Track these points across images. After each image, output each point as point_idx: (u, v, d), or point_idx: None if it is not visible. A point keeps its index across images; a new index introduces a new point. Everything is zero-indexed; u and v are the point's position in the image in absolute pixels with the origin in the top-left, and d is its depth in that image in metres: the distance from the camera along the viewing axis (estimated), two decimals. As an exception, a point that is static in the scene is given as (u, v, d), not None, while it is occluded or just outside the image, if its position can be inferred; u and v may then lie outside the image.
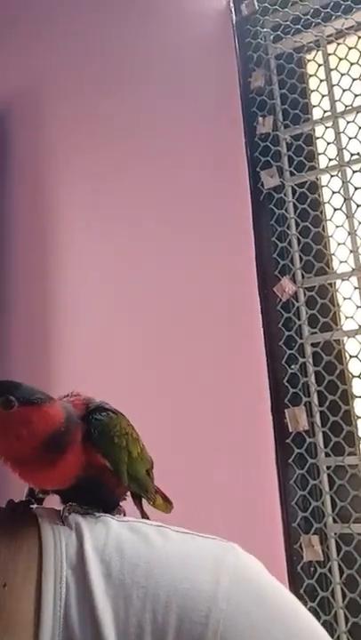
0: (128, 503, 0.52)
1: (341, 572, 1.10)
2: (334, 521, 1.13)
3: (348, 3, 1.25)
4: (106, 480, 0.48)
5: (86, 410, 0.48)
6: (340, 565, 1.11)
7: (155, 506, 0.54)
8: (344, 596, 1.09)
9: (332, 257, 1.21)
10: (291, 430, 1.17)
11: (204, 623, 0.35)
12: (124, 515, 0.48)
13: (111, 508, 0.48)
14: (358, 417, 1.13)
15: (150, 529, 0.42)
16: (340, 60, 1.26)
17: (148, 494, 0.53)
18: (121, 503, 0.51)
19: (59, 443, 0.44)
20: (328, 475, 1.15)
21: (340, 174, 1.23)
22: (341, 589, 1.10)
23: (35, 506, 0.46)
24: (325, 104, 1.27)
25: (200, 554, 0.39)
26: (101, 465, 0.47)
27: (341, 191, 1.21)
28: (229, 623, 0.36)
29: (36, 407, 0.43)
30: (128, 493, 0.53)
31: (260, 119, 1.33)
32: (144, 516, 0.53)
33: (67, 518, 0.43)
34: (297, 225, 1.26)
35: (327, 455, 1.16)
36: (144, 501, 0.54)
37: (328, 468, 1.15)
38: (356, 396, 1.14)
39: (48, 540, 0.41)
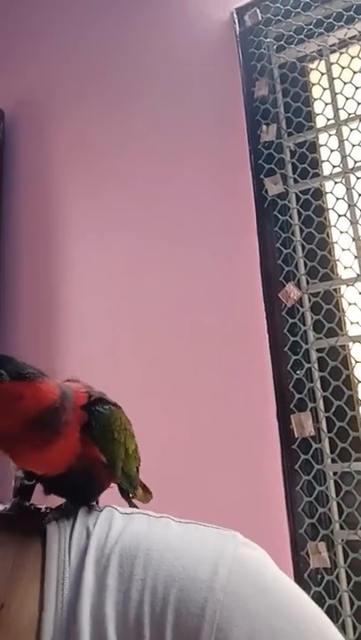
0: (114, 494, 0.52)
1: (349, 580, 1.10)
2: (341, 527, 1.13)
3: (351, 13, 1.27)
4: (97, 474, 0.46)
5: (88, 399, 0.45)
6: (347, 572, 1.10)
7: (135, 497, 0.54)
8: (352, 603, 1.08)
9: (337, 263, 1.21)
10: (297, 436, 1.17)
11: (201, 614, 0.35)
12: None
13: (89, 502, 0.45)
14: (364, 422, 1.13)
15: (152, 520, 0.42)
16: (343, 68, 1.28)
17: (135, 491, 0.52)
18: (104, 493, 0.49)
19: (52, 421, 0.41)
20: (335, 481, 1.15)
21: (343, 181, 1.23)
22: (349, 597, 1.09)
23: (44, 507, 0.45)
24: (329, 112, 1.29)
25: (200, 544, 0.39)
26: (95, 458, 0.45)
27: (345, 197, 1.22)
28: (226, 614, 0.35)
29: (28, 382, 0.41)
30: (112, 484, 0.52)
31: (264, 127, 1.34)
32: (132, 507, 0.52)
33: (75, 514, 0.43)
34: (301, 231, 1.26)
35: (333, 461, 1.15)
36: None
37: (335, 474, 1.15)
38: (363, 402, 1.14)
39: (52, 544, 0.41)
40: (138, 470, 0.52)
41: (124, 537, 0.40)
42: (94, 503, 0.46)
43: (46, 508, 0.45)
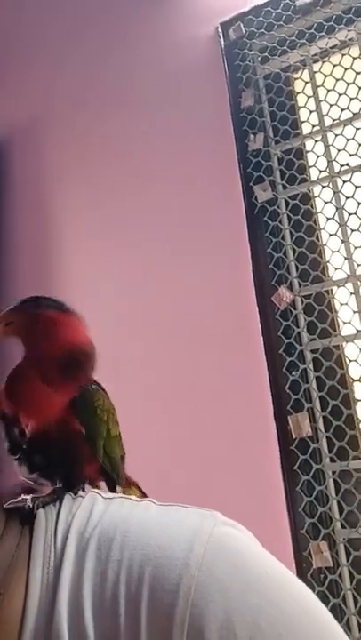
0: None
1: (352, 578, 1.10)
2: (342, 526, 1.13)
3: (331, 23, 1.30)
4: (78, 448, 0.48)
5: None
6: (350, 571, 1.10)
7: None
8: (356, 601, 1.08)
9: (328, 264, 1.24)
10: (294, 437, 1.18)
11: (175, 591, 0.35)
12: None
13: (75, 486, 0.47)
14: (361, 420, 1.14)
15: (133, 503, 0.43)
16: (326, 76, 1.31)
17: (120, 480, 0.53)
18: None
19: (78, 363, 0.47)
20: (334, 480, 1.15)
21: (330, 185, 1.26)
22: (353, 595, 1.09)
23: (31, 497, 0.46)
24: (314, 119, 1.32)
25: (177, 523, 0.39)
26: (77, 432, 0.47)
27: (333, 201, 1.25)
28: (202, 589, 0.35)
29: (75, 317, 0.48)
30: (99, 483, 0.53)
31: (252, 136, 1.37)
32: None
33: (61, 500, 0.44)
34: (291, 235, 1.29)
35: (332, 460, 1.16)
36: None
37: (333, 473, 1.16)
38: (358, 400, 1.15)
39: (39, 530, 0.42)
40: (123, 460, 0.53)
41: (104, 520, 0.41)
42: (80, 490, 0.47)
43: (33, 497, 0.46)
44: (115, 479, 0.52)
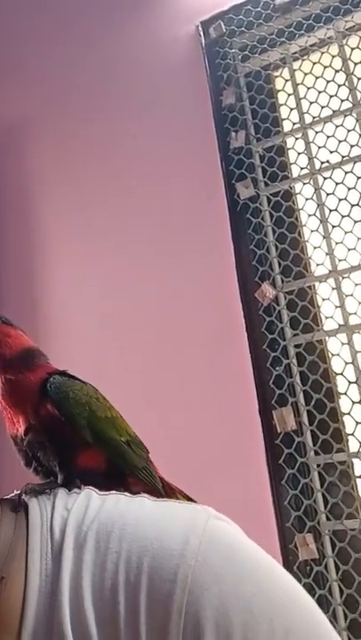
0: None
1: (337, 569, 1.11)
2: (327, 518, 1.15)
3: (310, 22, 1.32)
4: (61, 433, 0.50)
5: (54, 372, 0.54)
6: (335, 562, 1.12)
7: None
8: (341, 592, 1.10)
9: (310, 260, 1.25)
10: (279, 431, 1.19)
11: (173, 580, 0.37)
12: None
13: (70, 470, 0.49)
14: (344, 414, 1.16)
15: (128, 499, 0.44)
16: (306, 74, 1.32)
17: (141, 472, 0.54)
18: None
19: (27, 359, 0.52)
20: (318, 472, 1.17)
21: (312, 182, 1.28)
22: (338, 586, 1.11)
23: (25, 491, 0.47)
24: (294, 116, 1.33)
25: (173, 517, 0.41)
26: (53, 415, 0.50)
27: (314, 197, 1.26)
28: (197, 579, 0.37)
29: (13, 328, 0.55)
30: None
31: (233, 134, 1.38)
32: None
33: (56, 495, 0.46)
34: (274, 232, 1.30)
35: (316, 453, 1.18)
36: None
37: (318, 465, 1.17)
38: (341, 393, 1.16)
39: (35, 520, 0.43)
40: (132, 448, 0.55)
41: (101, 515, 0.42)
42: (75, 486, 0.48)
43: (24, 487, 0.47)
44: (121, 465, 0.54)
